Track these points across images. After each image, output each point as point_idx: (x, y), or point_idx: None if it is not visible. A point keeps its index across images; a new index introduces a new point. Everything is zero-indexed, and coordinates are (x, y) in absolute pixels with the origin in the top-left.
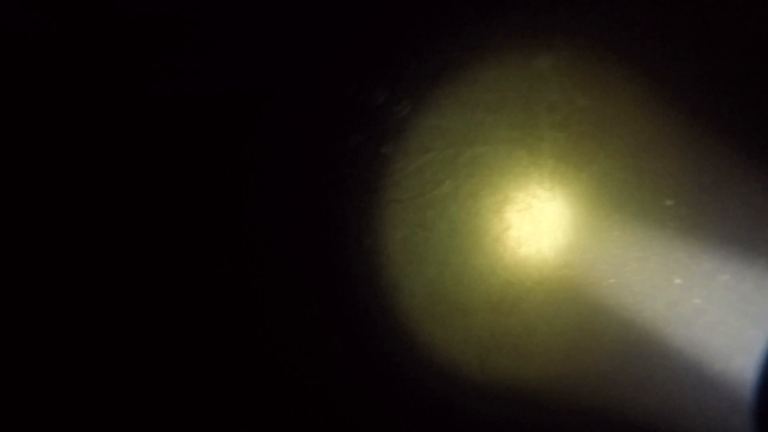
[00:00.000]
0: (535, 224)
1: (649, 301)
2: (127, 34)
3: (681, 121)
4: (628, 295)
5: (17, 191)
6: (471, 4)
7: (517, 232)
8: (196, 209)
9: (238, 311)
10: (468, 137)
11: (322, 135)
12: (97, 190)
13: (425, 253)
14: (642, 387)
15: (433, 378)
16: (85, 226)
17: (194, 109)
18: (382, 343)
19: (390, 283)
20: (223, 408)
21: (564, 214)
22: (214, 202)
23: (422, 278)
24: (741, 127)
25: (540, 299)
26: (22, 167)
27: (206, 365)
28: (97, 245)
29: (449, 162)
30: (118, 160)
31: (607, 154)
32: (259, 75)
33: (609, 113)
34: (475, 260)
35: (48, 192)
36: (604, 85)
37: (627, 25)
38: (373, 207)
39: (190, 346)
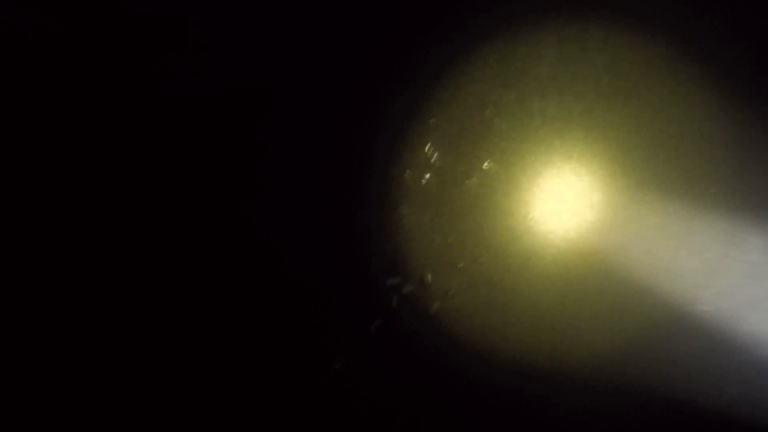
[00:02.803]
0: (564, 199)
1: (679, 277)
2: (128, 34)
3: (726, 106)
4: (657, 271)
5: (17, 191)
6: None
7: (545, 206)
8: (195, 209)
9: (238, 310)
10: (494, 115)
11: (322, 134)
12: (98, 189)
13: (440, 238)
14: (667, 361)
15: (451, 349)
16: (85, 226)
17: (194, 109)
18: (397, 320)
19: (402, 272)
20: (227, 407)
21: (596, 191)
22: (213, 202)
23: (435, 263)
24: None
25: (563, 272)
26: (22, 167)
27: (208, 366)
28: (97, 245)
29: (464, 144)
30: (119, 159)
31: (645, 134)
32: (259, 75)
33: (644, 92)
34: (497, 233)
35: (48, 192)
36: (639, 64)
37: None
38: (377, 202)
39: (191, 346)
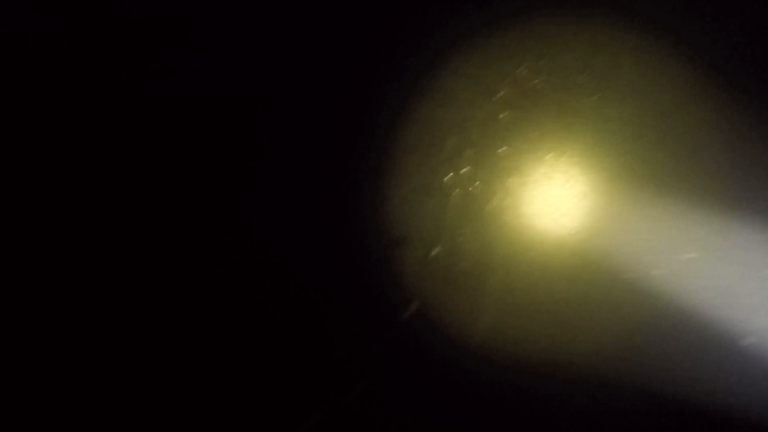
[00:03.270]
0: (559, 194)
1: (668, 273)
2: (128, 34)
3: (723, 101)
4: (650, 267)
5: (17, 191)
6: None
7: (538, 201)
8: (195, 208)
9: (237, 309)
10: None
11: (322, 134)
12: (98, 189)
13: (434, 234)
14: (666, 359)
15: (445, 344)
16: (85, 226)
17: (194, 109)
18: (391, 314)
19: (399, 268)
20: (224, 406)
21: (589, 186)
22: (213, 202)
23: (432, 258)
24: None
25: (555, 266)
26: (23, 167)
27: (206, 365)
28: (96, 245)
29: (468, 143)
30: (119, 159)
31: (638, 131)
32: (259, 75)
33: (638, 91)
34: (491, 228)
35: (48, 192)
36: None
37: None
38: (377, 201)
39: (191, 345)
